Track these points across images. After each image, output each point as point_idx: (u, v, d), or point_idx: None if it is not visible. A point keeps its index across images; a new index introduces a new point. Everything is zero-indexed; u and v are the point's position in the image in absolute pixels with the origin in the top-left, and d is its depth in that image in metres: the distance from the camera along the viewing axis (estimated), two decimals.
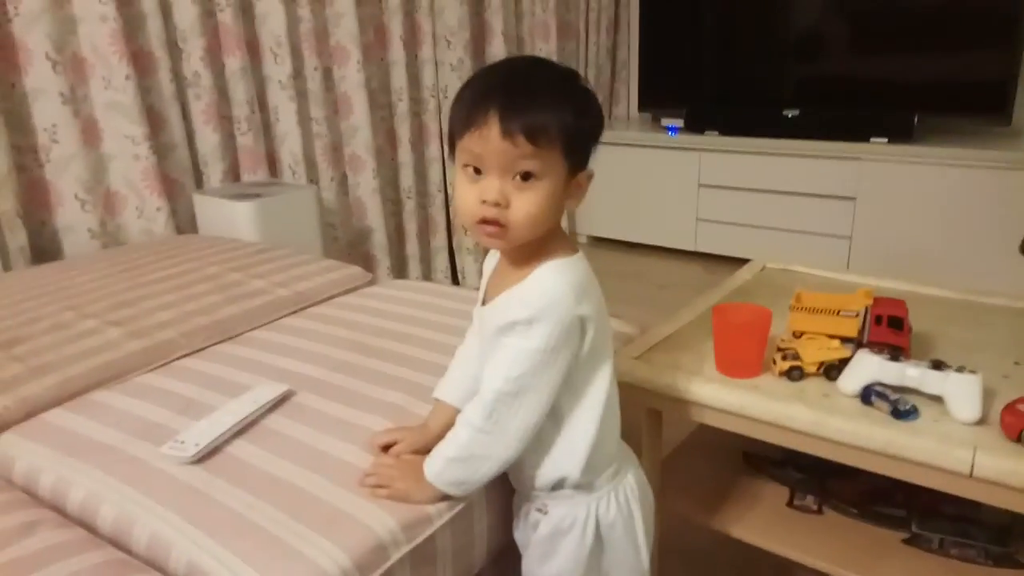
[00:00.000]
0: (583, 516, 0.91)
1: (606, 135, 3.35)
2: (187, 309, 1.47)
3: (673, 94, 3.44)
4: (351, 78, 2.59)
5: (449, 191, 3.05)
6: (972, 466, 0.85)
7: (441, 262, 3.09)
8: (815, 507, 1.17)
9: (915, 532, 1.10)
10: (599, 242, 3.60)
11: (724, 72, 3.31)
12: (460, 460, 0.88)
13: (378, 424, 1.05)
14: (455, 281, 3.15)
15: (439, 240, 3.06)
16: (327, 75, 2.58)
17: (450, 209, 3.07)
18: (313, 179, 2.57)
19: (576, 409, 0.88)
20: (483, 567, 1.03)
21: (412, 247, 2.96)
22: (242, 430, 1.06)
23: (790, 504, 1.19)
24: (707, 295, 1.39)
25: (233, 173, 2.43)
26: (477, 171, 0.81)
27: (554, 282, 0.83)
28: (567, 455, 0.89)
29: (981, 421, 0.92)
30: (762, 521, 1.16)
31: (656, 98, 3.49)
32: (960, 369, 0.95)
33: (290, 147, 2.48)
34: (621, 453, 0.96)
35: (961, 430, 0.91)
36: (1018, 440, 0.87)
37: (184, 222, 2.25)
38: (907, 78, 2.82)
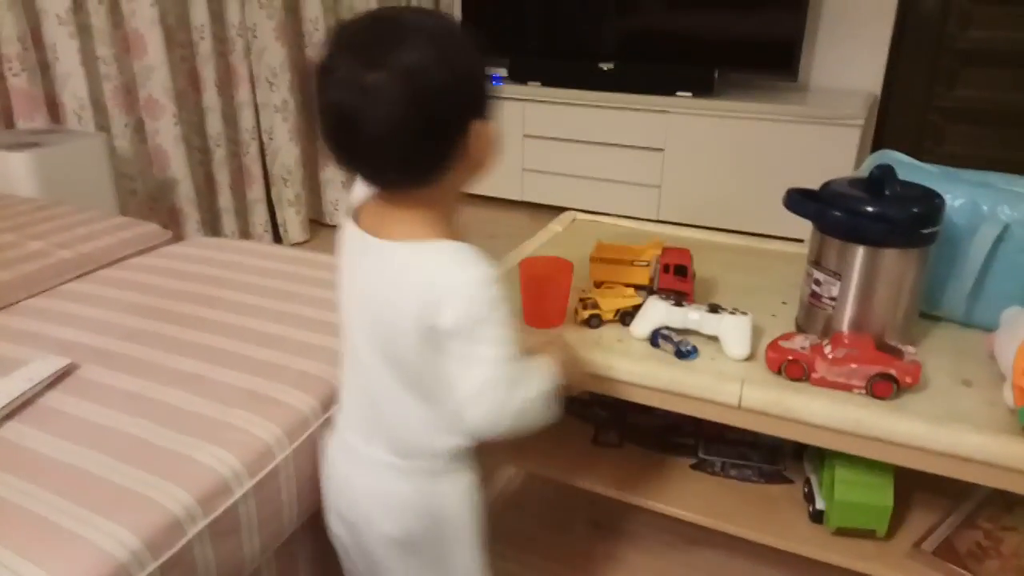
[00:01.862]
0: None
1: None
2: None
3: (497, 43, 3.43)
4: (143, 12, 2.35)
5: (264, 139, 2.88)
6: (740, 398, 0.95)
7: (259, 216, 2.93)
8: (617, 442, 1.26)
9: (701, 458, 1.22)
10: None
11: (544, 23, 3.34)
12: None
13: (173, 396, 0.99)
14: (275, 235, 3.01)
15: (256, 192, 2.90)
16: (114, 8, 2.32)
17: (267, 159, 2.91)
18: (103, 126, 2.33)
19: None
20: (297, 531, 1.02)
21: (225, 200, 2.78)
22: (15, 411, 0.96)
23: (595, 441, 1.27)
24: (519, 248, 1.43)
25: (6, 119, 2.15)
26: None
27: None
28: None
29: (750, 357, 1.02)
30: (569, 459, 1.23)
31: (480, 46, 3.46)
32: (734, 311, 1.04)
33: (73, 89, 2.23)
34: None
35: (733, 366, 1.00)
36: (779, 373, 0.98)
37: None
38: (708, 35, 3.00)
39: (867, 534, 1.03)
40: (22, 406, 0.97)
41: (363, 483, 0.88)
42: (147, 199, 2.50)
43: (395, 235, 0.78)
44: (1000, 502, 1.10)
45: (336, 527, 0.95)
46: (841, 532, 1.04)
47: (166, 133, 2.49)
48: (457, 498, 0.89)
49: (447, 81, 0.70)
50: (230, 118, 2.77)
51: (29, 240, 1.48)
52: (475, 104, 0.75)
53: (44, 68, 2.21)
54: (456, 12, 3.62)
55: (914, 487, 1.10)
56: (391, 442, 0.86)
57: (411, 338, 0.77)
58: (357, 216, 0.83)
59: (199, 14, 2.55)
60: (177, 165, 2.53)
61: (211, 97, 2.65)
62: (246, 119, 2.80)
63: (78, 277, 1.39)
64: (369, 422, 0.88)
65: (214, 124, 2.68)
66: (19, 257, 1.41)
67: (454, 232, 0.80)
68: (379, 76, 0.67)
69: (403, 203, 0.79)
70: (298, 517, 0.99)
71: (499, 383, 0.77)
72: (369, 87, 0.68)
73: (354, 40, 0.71)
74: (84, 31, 2.24)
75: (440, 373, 0.78)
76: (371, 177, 0.78)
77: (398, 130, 0.70)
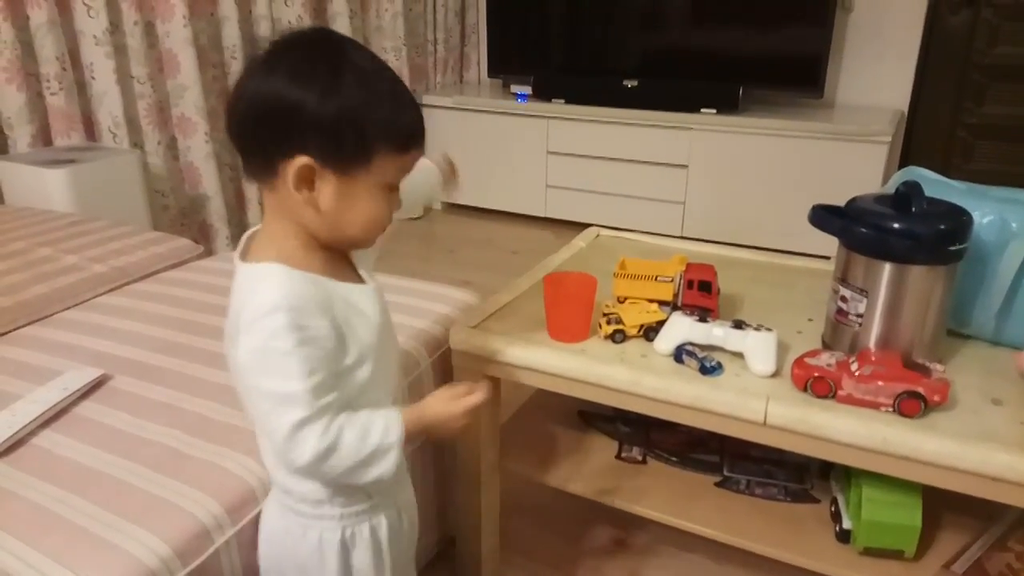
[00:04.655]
0: None
1: (457, 100, 3.35)
2: None
3: (521, 61, 3.47)
4: (176, 33, 2.41)
5: None
6: (765, 415, 0.95)
7: None
8: (640, 458, 1.26)
9: (726, 475, 1.21)
10: (453, 208, 3.61)
11: (569, 41, 3.37)
12: None
13: (203, 407, 1.01)
14: None
15: None
16: (149, 30, 2.39)
17: None
18: (137, 143, 2.39)
19: None
20: None
21: (254, 215, 2.82)
22: (50, 420, 0.98)
23: (618, 456, 1.27)
24: (544, 263, 1.44)
25: (44, 137, 2.21)
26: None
27: None
28: None
29: (775, 374, 1.01)
30: (593, 475, 1.23)
31: (505, 64, 3.50)
32: (758, 327, 1.04)
33: (109, 108, 2.29)
34: None
35: (757, 383, 1.00)
36: (805, 390, 0.97)
37: None
38: (733, 53, 3.00)
39: (895, 555, 1.02)
40: (57, 415, 0.99)
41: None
42: (179, 215, 2.55)
43: (249, 254, 0.78)
44: None
45: None
46: (869, 552, 1.03)
47: (198, 150, 2.55)
48: (314, 548, 0.82)
49: (272, 108, 0.72)
50: None
51: (64, 254, 1.52)
52: (296, 138, 0.72)
53: (81, 87, 2.27)
54: (481, 31, 3.66)
55: (943, 507, 1.08)
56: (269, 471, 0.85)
57: (236, 369, 0.76)
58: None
59: (230, 35, 2.61)
60: (208, 181, 2.59)
61: None
62: None
63: (112, 290, 1.42)
64: None
65: None
66: (55, 271, 1.45)
67: (307, 261, 0.76)
68: (245, 86, 0.74)
69: (265, 215, 0.80)
70: None
71: (314, 425, 0.72)
72: (238, 90, 0.74)
73: (259, 54, 0.75)
74: (120, 51, 2.30)
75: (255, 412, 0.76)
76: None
77: (239, 125, 0.75)
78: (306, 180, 0.73)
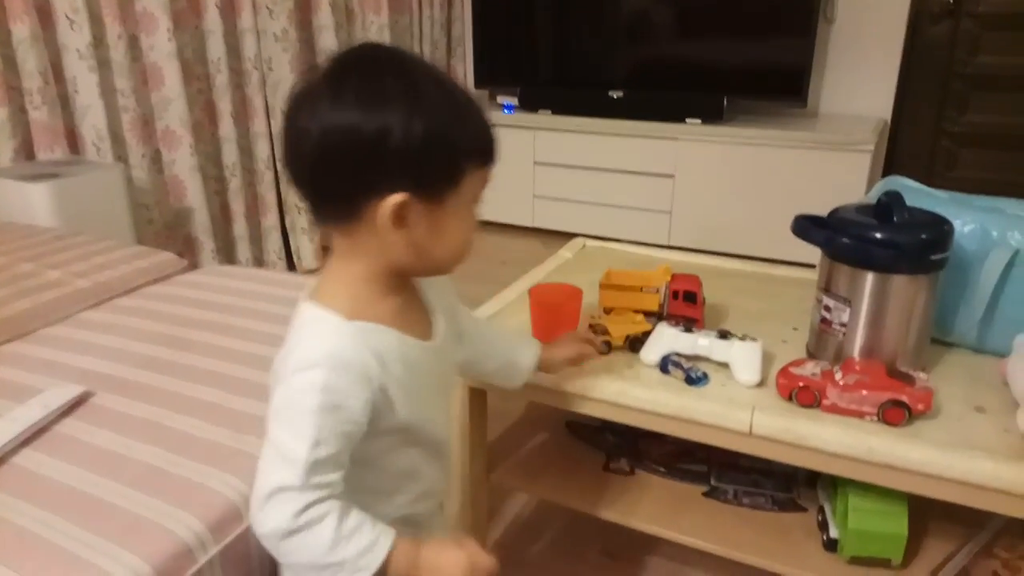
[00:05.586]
0: None
1: None
2: None
3: (508, 72, 3.48)
4: (161, 47, 2.40)
5: (279, 168, 2.92)
6: (751, 425, 0.95)
7: (274, 243, 2.96)
8: (628, 468, 1.26)
9: (713, 485, 1.21)
10: None
11: (555, 52, 3.39)
12: None
13: (186, 424, 1.00)
14: (289, 262, 3.03)
15: (270, 220, 2.93)
16: (133, 43, 2.38)
17: (280, 186, 2.94)
18: (121, 156, 2.37)
19: None
20: None
21: (240, 228, 2.81)
22: (30, 439, 0.97)
23: (606, 468, 1.27)
24: (530, 275, 1.44)
25: (26, 151, 2.19)
26: None
27: None
28: None
29: (761, 384, 1.01)
30: (580, 486, 1.22)
31: (491, 76, 3.52)
32: (743, 337, 1.04)
33: (92, 121, 2.27)
34: None
35: (743, 393, 1.00)
36: (790, 399, 0.98)
37: None
38: (718, 62, 3.02)
39: (882, 563, 1.02)
40: (37, 434, 0.98)
41: None
42: (163, 228, 2.53)
43: (312, 293, 0.74)
44: (1017, 530, 1.08)
45: None
46: (856, 561, 1.03)
47: (182, 163, 2.53)
48: None
49: (352, 143, 0.65)
50: (245, 148, 2.81)
51: (47, 269, 1.50)
52: (385, 173, 0.66)
53: (64, 101, 2.25)
54: (467, 43, 3.67)
55: (929, 515, 1.09)
56: None
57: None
58: None
59: (215, 48, 2.60)
60: (193, 194, 2.57)
61: (227, 128, 2.69)
62: (261, 149, 2.84)
63: (95, 306, 1.41)
64: None
65: (230, 154, 2.73)
66: (37, 286, 1.43)
67: (376, 308, 0.72)
68: (309, 123, 0.66)
69: (334, 256, 0.74)
70: None
71: (293, 499, 0.65)
72: (301, 130, 0.67)
73: (312, 83, 0.68)
74: (104, 65, 2.29)
75: None
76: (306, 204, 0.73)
77: (311, 169, 0.68)
78: (401, 218, 0.67)
